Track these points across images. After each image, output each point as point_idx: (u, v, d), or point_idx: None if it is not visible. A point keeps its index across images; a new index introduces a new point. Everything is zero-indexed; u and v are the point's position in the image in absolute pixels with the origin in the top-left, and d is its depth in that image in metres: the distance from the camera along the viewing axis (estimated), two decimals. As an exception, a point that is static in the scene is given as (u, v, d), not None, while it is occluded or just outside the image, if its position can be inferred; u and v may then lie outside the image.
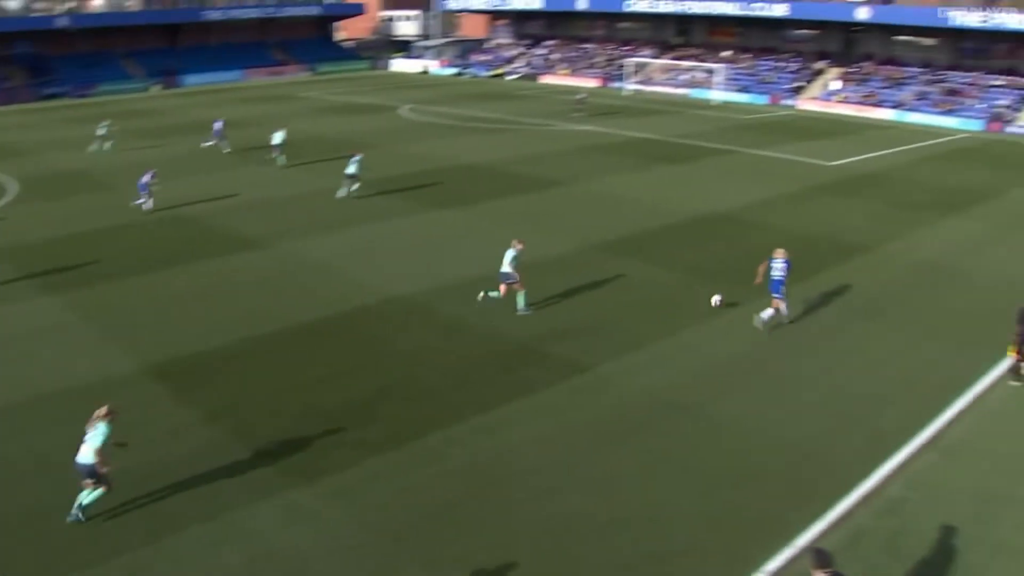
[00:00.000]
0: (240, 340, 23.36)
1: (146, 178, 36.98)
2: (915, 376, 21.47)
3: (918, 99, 77.66)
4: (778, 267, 23.97)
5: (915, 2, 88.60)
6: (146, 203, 36.76)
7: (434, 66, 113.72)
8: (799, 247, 31.94)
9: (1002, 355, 22.20)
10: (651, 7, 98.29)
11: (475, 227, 34.64)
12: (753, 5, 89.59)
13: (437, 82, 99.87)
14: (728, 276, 28.54)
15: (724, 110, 76.51)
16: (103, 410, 15.59)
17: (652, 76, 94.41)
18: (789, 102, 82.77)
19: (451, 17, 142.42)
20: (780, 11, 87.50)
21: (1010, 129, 70.10)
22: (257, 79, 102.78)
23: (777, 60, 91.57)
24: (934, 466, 17.41)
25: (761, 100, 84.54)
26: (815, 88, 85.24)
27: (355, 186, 39.18)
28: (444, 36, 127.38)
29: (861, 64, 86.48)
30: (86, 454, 15.27)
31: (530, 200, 39.27)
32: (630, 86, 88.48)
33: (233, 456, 17.54)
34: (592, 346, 22.93)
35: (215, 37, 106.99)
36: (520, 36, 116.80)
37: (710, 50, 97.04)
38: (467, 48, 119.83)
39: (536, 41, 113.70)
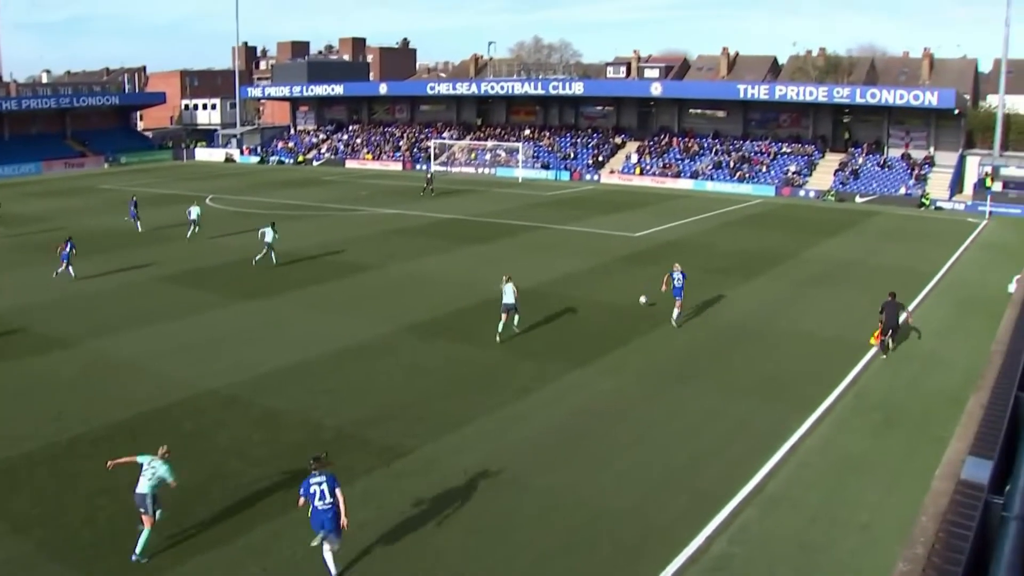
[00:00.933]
0: (49, 444, 22.04)
1: None
2: (730, 435, 22.24)
3: (713, 168, 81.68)
4: (678, 278, 31.57)
5: (702, 77, 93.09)
6: None
7: (238, 154, 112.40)
8: (608, 317, 32.92)
9: (808, 407, 23.46)
10: (451, 90, 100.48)
11: (286, 315, 34.09)
12: (551, 85, 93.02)
13: (241, 170, 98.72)
14: (543, 349, 29.08)
15: (528, 187, 78.43)
16: (163, 449, 17.43)
17: (456, 157, 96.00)
18: (591, 177, 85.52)
19: (253, 104, 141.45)
20: (577, 89, 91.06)
21: (801, 193, 74.61)
22: (55, 171, 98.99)
23: (577, 136, 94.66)
24: (755, 520, 17.94)
25: (563, 176, 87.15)
26: (615, 162, 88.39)
27: (260, 256, 42.75)
28: (247, 124, 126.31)
29: (658, 137, 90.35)
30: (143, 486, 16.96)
31: (340, 285, 39.02)
32: (435, 168, 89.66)
33: (44, 570, 16.43)
34: (412, 428, 22.74)
35: (9, 128, 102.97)
36: (323, 122, 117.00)
37: (511, 129, 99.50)
38: (270, 135, 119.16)
39: (339, 126, 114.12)
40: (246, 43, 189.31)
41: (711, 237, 50.38)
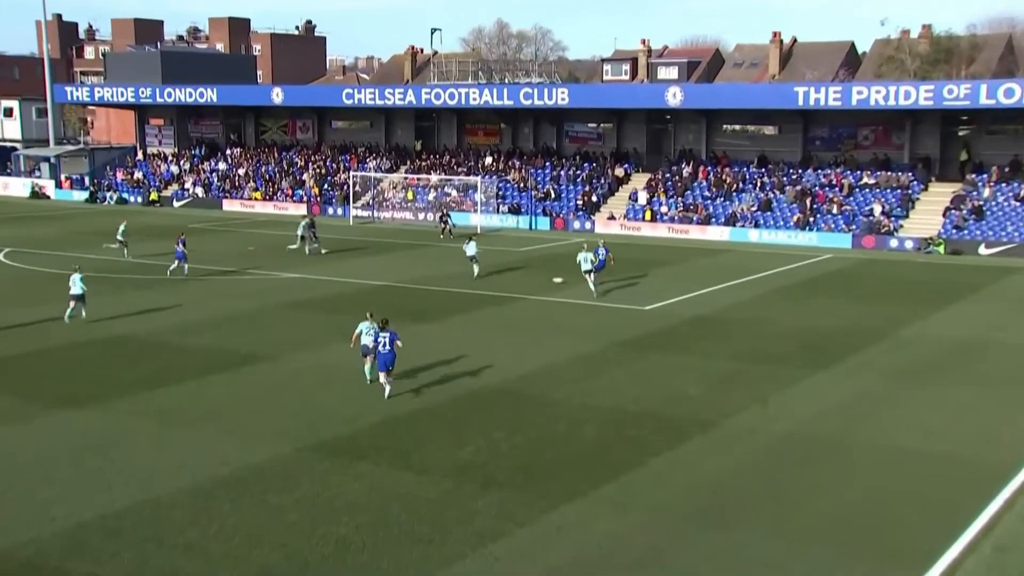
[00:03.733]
0: None
1: None
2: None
3: (760, 210, 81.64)
4: (590, 259, 46.92)
5: (742, 78, 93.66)
6: None
7: (52, 187, 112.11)
8: (607, 428, 32.62)
9: (914, 564, 22.92)
10: (378, 99, 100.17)
11: (129, 431, 33.19)
12: (521, 92, 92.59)
13: (58, 211, 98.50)
14: (512, 476, 28.59)
15: (491, 241, 78.49)
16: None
17: (385, 198, 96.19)
18: (582, 224, 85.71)
19: (76, 113, 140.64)
20: (560, 98, 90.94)
21: (892, 244, 73.89)
22: None
23: (560, 167, 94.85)
24: None
25: (541, 224, 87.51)
26: (616, 203, 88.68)
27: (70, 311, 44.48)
28: (66, 141, 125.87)
29: (677, 166, 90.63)
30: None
31: (214, 384, 38.45)
32: (356, 212, 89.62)
33: None
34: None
35: None
36: (187, 142, 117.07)
37: (465, 157, 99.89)
38: (104, 160, 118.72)
39: (212, 150, 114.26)
40: (60, 17, 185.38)
41: (760, 310, 50.31)
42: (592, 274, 53.22)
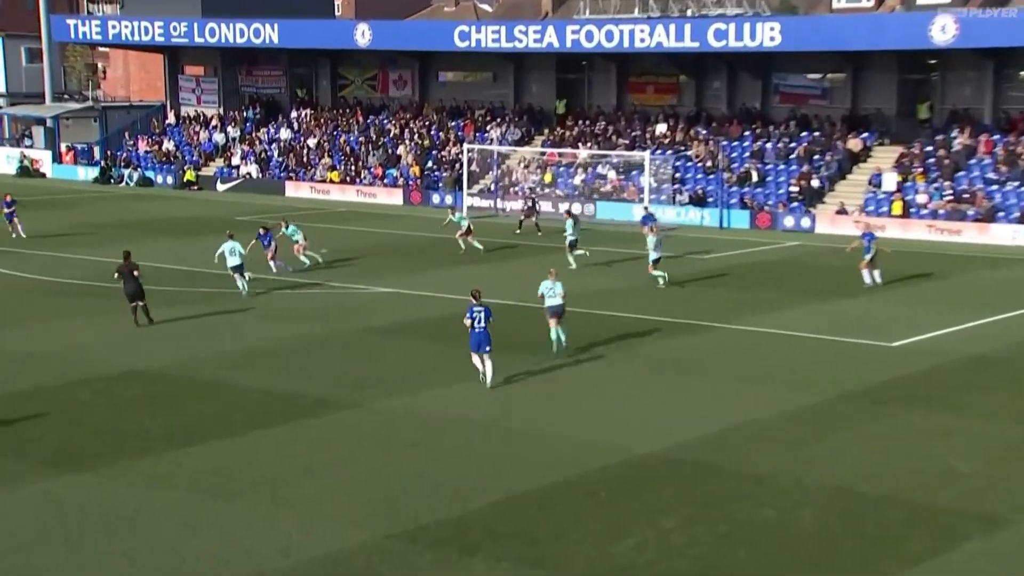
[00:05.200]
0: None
1: None
2: None
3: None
4: (478, 323, 42.73)
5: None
6: None
7: (48, 160, 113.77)
8: (840, 519, 31.85)
9: None
10: (504, 41, 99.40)
11: (153, 506, 33.27)
12: (712, 28, 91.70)
13: (56, 196, 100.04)
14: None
15: (664, 244, 77.92)
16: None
17: (516, 179, 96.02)
18: (797, 221, 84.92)
19: (81, 56, 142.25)
20: (768, 38, 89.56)
21: None
22: None
23: (765, 137, 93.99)
24: None
25: (738, 221, 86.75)
26: (849, 189, 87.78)
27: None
28: (69, 96, 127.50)
29: (943, 136, 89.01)
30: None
31: (274, 441, 38.61)
32: (470, 202, 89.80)
33: None
34: None
35: None
36: (237, 101, 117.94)
37: (628, 123, 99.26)
38: (122, 125, 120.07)
39: (271, 111, 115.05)
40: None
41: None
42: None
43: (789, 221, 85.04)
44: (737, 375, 44.78)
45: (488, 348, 40.36)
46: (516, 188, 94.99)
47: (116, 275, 53.38)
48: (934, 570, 29.19)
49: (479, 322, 40.19)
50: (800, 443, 37.81)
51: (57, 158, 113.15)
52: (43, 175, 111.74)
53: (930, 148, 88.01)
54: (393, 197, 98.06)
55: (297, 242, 67.45)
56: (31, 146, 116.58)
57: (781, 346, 50.75)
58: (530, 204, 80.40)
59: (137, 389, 43.97)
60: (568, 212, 75.37)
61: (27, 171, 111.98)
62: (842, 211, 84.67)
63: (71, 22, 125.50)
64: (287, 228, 67.91)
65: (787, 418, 40.15)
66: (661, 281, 53.94)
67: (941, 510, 32.47)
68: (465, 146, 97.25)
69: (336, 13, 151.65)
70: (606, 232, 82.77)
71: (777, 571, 29.00)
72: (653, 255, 47.57)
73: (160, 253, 73.59)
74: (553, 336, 46.44)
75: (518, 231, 78.59)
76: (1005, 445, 37.54)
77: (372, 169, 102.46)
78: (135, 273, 53.02)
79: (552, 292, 44.84)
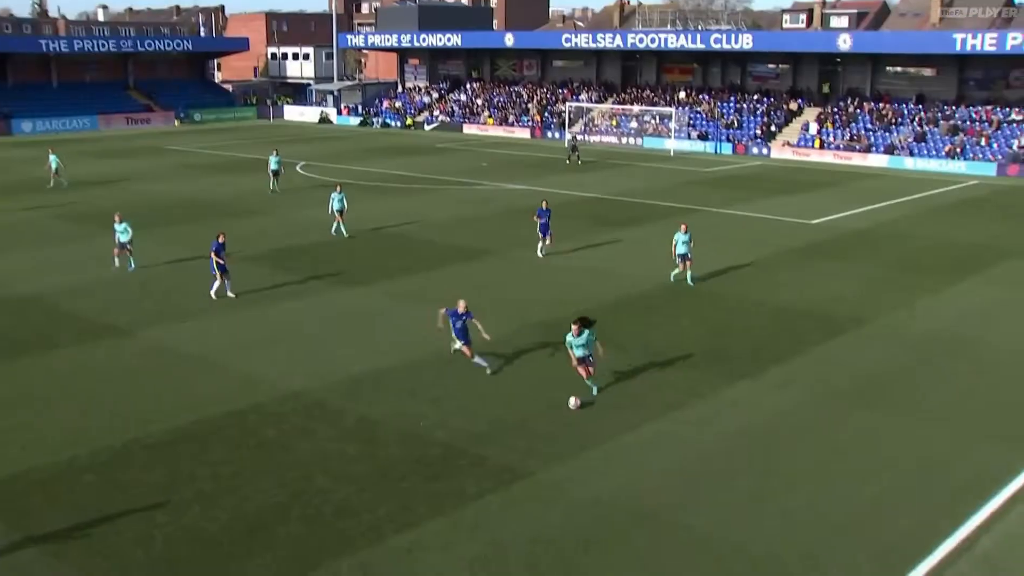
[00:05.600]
0: (97, 451, 22.46)
1: None
2: (928, 476, 21.36)
3: (915, 141, 79.24)
4: (543, 217, 40.90)
5: (905, 26, 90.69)
6: None
7: (334, 114, 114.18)
8: (776, 321, 32.34)
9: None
10: (591, 43, 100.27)
11: (389, 307, 34.33)
12: (712, 37, 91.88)
13: (339, 133, 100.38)
14: (694, 358, 28.66)
15: (681, 162, 77.91)
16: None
17: (595, 124, 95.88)
18: (760, 150, 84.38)
19: (353, 56, 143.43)
20: (745, 43, 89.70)
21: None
22: (115, 127, 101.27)
23: (743, 101, 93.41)
24: (960, 582, 17.11)
25: (725, 149, 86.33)
26: (790, 132, 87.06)
27: (334, 227, 45.61)
28: (345, 78, 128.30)
29: (844, 102, 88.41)
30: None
31: (453, 273, 39.24)
32: (569, 136, 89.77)
33: (90, 600, 16.75)
34: (535, 447, 22.61)
35: (58, 74, 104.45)
36: (436, 78, 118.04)
37: (663, 91, 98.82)
38: (373, 92, 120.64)
39: (456, 84, 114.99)
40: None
41: (909, 227, 49.04)
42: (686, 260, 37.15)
43: (755, 150, 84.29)
44: (718, 239, 44.83)
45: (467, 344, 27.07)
46: (596, 128, 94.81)
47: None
48: (829, 348, 29.75)
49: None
50: (759, 279, 38.10)
51: (339, 112, 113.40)
52: (331, 122, 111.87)
53: (836, 110, 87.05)
54: (524, 133, 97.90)
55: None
56: (326, 106, 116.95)
57: (749, 221, 50.53)
58: (573, 146, 78.96)
59: (381, 243, 45.05)
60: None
61: (323, 120, 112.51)
62: (787, 145, 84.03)
63: (349, 37, 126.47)
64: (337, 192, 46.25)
65: (752, 264, 40.33)
66: (673, 277, 37.97)
67: (835, 316, 32.89)
68: (567, 104, 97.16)
69: (494, 27, 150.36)
70: (646, 154, 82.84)
71: (743, 351, 29.62)
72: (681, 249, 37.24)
73: (391, 165, 74.23)
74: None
75: (568, 162, 76.37)
76: (872, 280, 37.65)
77: (513, 117, 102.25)
78: None
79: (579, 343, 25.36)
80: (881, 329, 31.77)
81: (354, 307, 34.39)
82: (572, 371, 25.33)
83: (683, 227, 36.71)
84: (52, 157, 60.50)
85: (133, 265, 38.45)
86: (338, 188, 45.64)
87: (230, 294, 34.75)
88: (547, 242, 41.60)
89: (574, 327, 24.70)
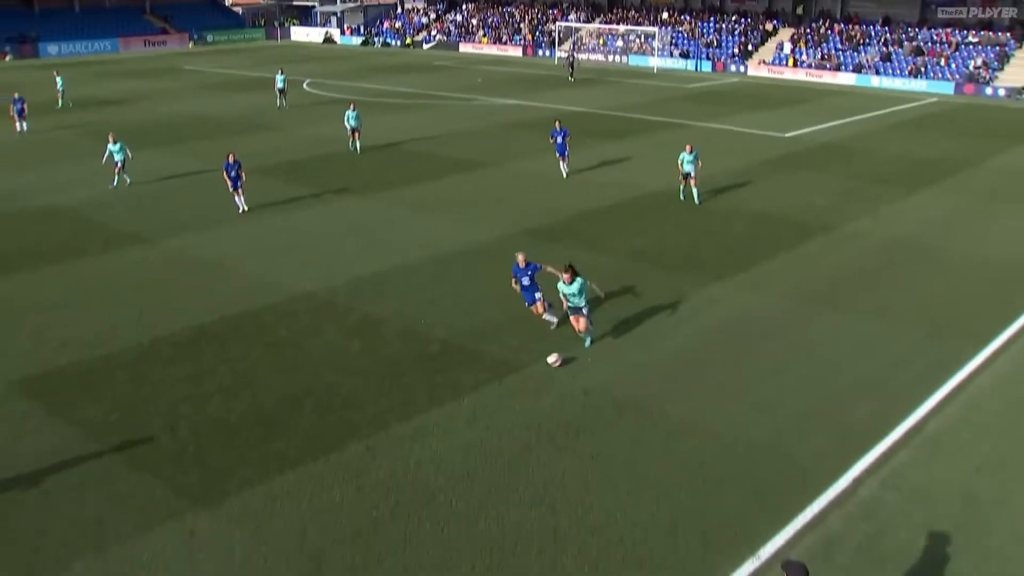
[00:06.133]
0: (127, 348, 22.86)
1: None
2: (885, 368, 21.74)
3: (880, 60, 78.92)
4: (557, 137, 38.96)
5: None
6: None
7: (338, 35, 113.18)
8: (751, 227, 32.53)
9: (981, 342, 22.86)
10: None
11: (390, 215, 34.49)
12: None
13: (342, 53, 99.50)
14: (674, 260, 28.93)
15: (664, 79, 77.42)
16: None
17: (583, 43, 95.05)
18: (737, 68, 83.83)
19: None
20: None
21: (988, 91, 71.07)
22: (134, 50, 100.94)
23: (722, 22, 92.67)
24: (912, 465, 17.58)
25: (705, 67, 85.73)
26: (765, 52, 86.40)
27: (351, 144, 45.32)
28: (349, 1, 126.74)
29: (815, 24, 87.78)
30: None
31: (451, 183, 39.31)
32: (560, 55, 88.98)
33: (123, 480, 17.12)
34: (527, 343, 22.94)
35: (80, 0, 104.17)
36: (434, 0, 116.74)
37: (647, 12, 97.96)
38: (375, 14, 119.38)
39: (451, 5, 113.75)
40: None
41: (874, 141, 49.00)
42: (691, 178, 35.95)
43: (733, 68, 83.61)
44: (703, 150, 44.98)
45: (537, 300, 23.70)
46: (584, 46, 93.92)
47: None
48: (799, 252, 29.96)
49: (530, 279, 23.26)
50: (736, 187, 38.16)
51: (342, 32, 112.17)
52: (335, 42, 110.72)
53: (808, 31, 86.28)
54: (517, 52, 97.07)
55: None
56: (330, 27, 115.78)
57: (726, 136, 50.49)
58: (571, 62, 78.05)
59: (384, 156, 45.04)
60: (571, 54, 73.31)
61: (327, 40, 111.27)
62: (762, 63, 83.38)
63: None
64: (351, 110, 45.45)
65: (730, 172, 40.39)
66: (682, 195, 36.60)
67: (805, 223, 33.08)
68: (557, 23, 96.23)
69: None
70: (632, 71, 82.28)
71: (721, 254, 29.82)
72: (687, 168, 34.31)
73: (392, 82, 73.80)
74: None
75: (570, 79, 75.40)
76: (840, 189, 37.77)
77: (506, 36, 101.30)
78: None
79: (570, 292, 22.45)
80: (847, 235, 31.96)
81: (359, 216, 34.54)
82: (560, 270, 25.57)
83: (688, 148, 35.43)
84: (58, 79, 60.61)
85: (128, 181, 38.41)
86: (352, 106, 45.33)
87: (243, 207, 34.77)
88: (566, 163, 39.96)
89: (565, 275, 21.94)
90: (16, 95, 50.48)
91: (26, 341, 23.37)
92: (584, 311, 22.27)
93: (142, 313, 25.10)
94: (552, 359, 21.65)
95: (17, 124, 49.38)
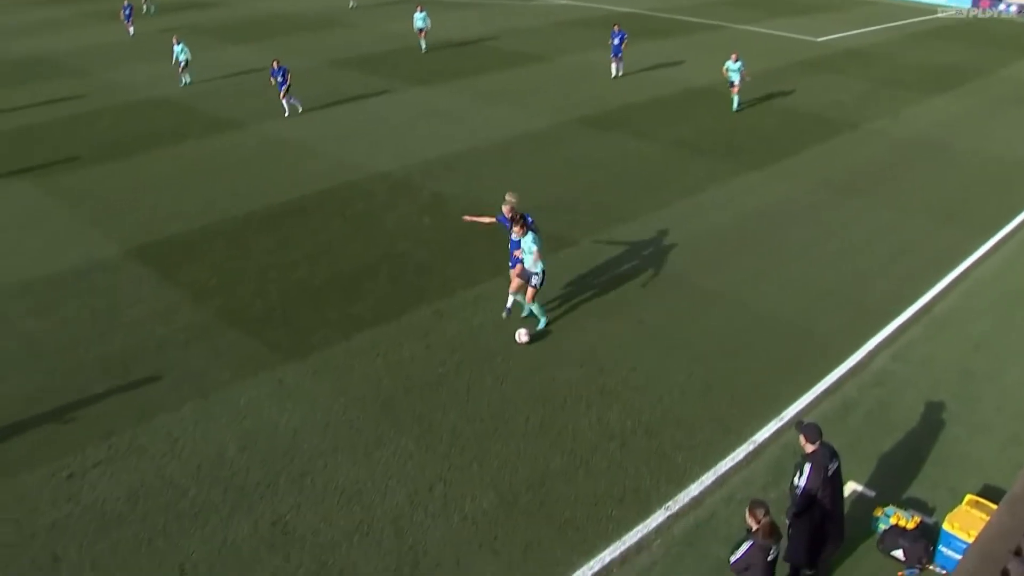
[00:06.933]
0: (224, 220, 23.27)
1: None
2: (900, 253, 21.57)
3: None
4: (615, 39, 36.64)
5: None
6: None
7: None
8: (784, 123, 32.07)
9: (986, 232, 22.61)
10: None
11: (458, 103, 34.32)
12: None
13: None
14: (714, 150, 28.66)
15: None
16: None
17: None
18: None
19: None
20: None
21: (1000, 7, 69.10)
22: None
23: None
24: (919, 341, 17.68)
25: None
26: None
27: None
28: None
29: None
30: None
31: (509, 75, 38.83)
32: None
33: (222, 336, 17.61)
34: (579, 220, 22.99)
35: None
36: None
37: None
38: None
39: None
40: None
41: (896, 48, 47.66)
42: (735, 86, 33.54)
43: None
44: (744, 51, 44.01)
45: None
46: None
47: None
48: (826, 146, 29.58)
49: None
50: (769, 86, 37.36)
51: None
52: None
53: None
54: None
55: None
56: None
57: (764, 38, 49.11)
58: None
59: (451, 50, 44.63)
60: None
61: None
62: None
63: None
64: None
65: (764, 72, 39.46)
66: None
67: (832, 120, 32.52)
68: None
69: None
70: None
71: (756, 146, 29.46)
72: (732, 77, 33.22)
73: None
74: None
75: None
76: (865, 91, 36.91)
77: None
78: None
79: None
80: (870, 132, 31.33)
81: (430, 104, 34.38)
82: (607, 156, 25.46)
83: (733, 56, 33.41)
84: None
85: (191, 80, 38.02)
86: (420, 8, 44.63)
87: (288, 111, 33.14)
88: (618, 65, 38.00)
89: (516, 228, 17.03)
90: (126, 2, 50.28)
91: (141, 214, 23.90)
92: (534, 280, 17.22)
93: (236, 189, 25.49)
94: (520, 335, 17.19)
95: (129, 27, 49.15)
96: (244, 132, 31.06)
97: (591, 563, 12.17)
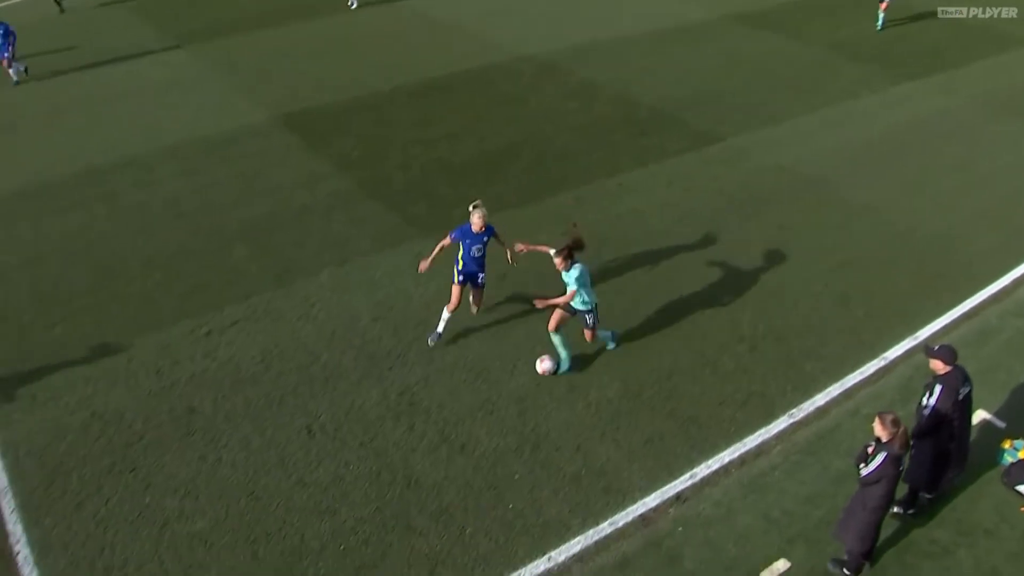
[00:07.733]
0: (371, 94, 23.58)
1: None
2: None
3: None
4: None
5: None
6: None
7: None
8: (947, 34, 30.35)
9: None
10: None
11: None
12: None
13: None
14: (872, 56, 27.43)
15: None
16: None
17: None
18: None
19: None
20: None
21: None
22: None
23: None
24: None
25: None
26: None
27: None
28: None
29: None
30: None
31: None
32: None
33: (363, 206, 17.99)
34: (727, 116, 22.46)
35: None
36: None
37: None
38: None
39: None
40: None
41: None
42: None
43: None
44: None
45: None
46: None
47: None
48: (984, 65, 27.81)
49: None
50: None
51: None
52: None
53: None
54: None
55: None
56: None
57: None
58: None
59: None
60: None
61: None
62: None
63: None
64: None
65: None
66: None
67: (1002, 34, 30.52)
68: None
69: None
70: None
71: (916, 54, 28.17)
72: None
73: None
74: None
75: None
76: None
77: None
78: None
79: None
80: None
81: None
82: (762, 54, 24.57)
83: None
84: None
85: None
86: None
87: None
88: None
89: (558, 260, 12.78)
90: None
91: (292, 81, 24.41)
92: (588, 319, 13.50)
93: (383, 64, 25.77)
94: (542, 367, 13.58)
95: None
96: (393, 6, 31.23)
97: (709, 461, 12.19)
